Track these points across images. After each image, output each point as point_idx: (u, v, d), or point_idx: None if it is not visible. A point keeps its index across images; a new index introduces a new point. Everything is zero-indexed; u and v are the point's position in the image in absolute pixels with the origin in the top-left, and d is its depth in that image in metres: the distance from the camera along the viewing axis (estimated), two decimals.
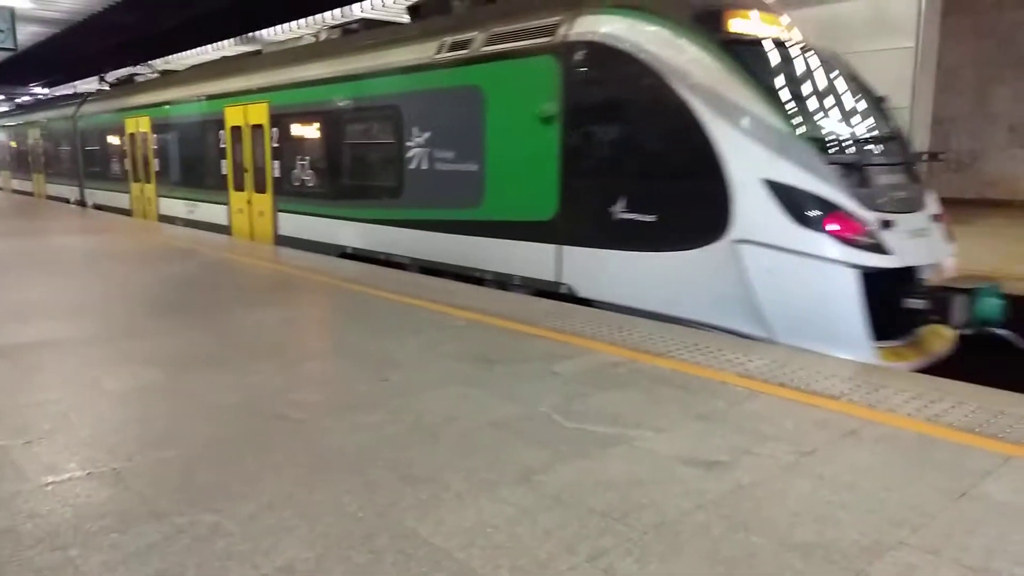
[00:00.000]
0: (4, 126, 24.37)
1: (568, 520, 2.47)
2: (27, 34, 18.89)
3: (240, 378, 4.03)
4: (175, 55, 22.38)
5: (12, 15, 14.62)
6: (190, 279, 7.27)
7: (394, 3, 14.34)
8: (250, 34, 18.78)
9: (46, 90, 29.52)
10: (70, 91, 25.49)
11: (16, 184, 23.65)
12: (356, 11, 15.15)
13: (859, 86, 6.15)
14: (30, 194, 22.42)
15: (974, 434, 3.19)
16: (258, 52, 13.17)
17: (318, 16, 16.41)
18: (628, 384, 3.90)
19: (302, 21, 17.00)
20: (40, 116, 20.59)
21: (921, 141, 12.33)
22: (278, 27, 17.84)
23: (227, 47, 19.93)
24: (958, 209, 14.26)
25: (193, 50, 21.53)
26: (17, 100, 31.80)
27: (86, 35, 21.23)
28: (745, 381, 3.93)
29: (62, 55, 23.67)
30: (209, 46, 20.71)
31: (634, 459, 2.95)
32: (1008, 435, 3.17)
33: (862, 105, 5.98)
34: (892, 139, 5.89)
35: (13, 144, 23.75)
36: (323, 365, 4.28)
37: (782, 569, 2.17)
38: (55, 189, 19.96)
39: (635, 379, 3.99)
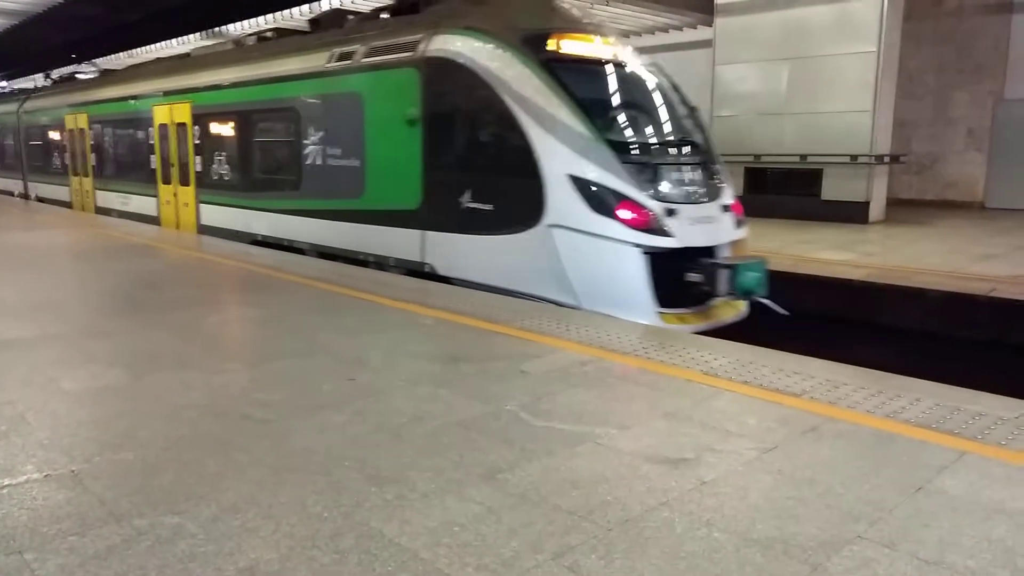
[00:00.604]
0: None
1: (534, 518, 2.48)
2: None
3: (204, 378, 3.98)
4: (139, 48, 21.95)
5: None
6: (152, 277, 7.14)
7: (351, 3, 14.59)
8: (214, 29, 18.48)
9: (4, 83, 28.77)
10: (30, 84, 24.85)
11: None
12: (324, 5, 15.00)
13: (671, 98, 7.20)
14: None
15: (931, 430, 3.27)
16: (187, 55, 13.89)
17: (283, 12, 16.18)
18: (595, 382, 3.93)
19: (267, 16, 16.75)
20: None
21: (884, 144, 12.64)
22: (240, 23, 17.58)
23: (192, 41, 19.58)
24: (919, 209, 14.64)
25: (157, 44, 21.13)
26: None
27: (48, 27, 20.75)
28: (710, 379, 3.99)
29: (23, 47, 23.09)
30: (174, 40, 20.34)
31: (600, 457, 2.98)
32: (964, 431, 3.26)
33: (669, 114, 7.05)
34: (691, 143, 6.96)
35: None
36: (289, 364, 4.24)
37: (743, 564, 2.21)
38: (1, 183, 20.08)
39: (602, 377, 4.02)
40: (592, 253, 6.08)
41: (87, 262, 8.02)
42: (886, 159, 12.76)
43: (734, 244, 6.69)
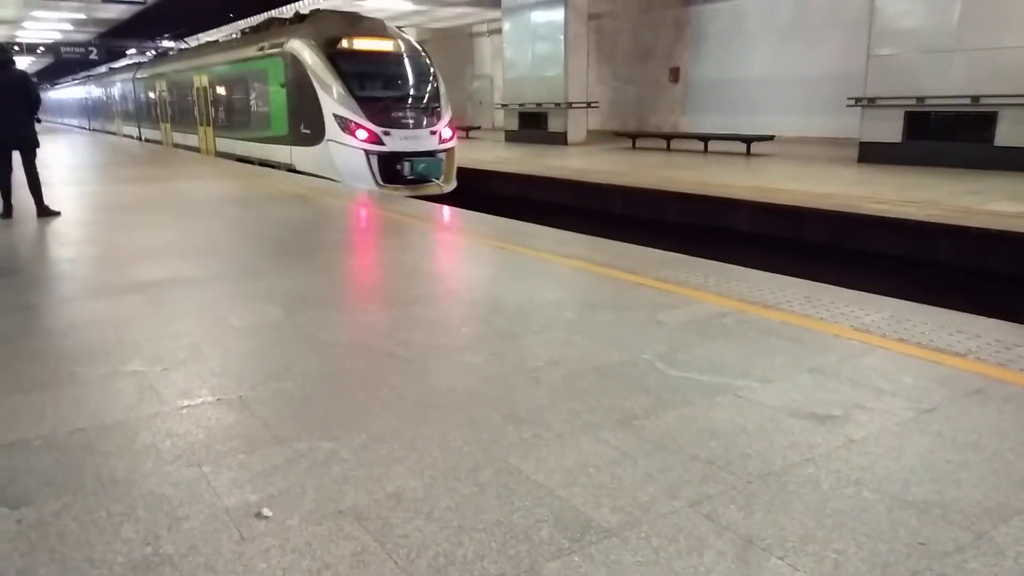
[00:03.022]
0: (120, 80, 28.93)
1: (670, 465, 2.46)
2: None
3: (351, 317, 4.21)
4: (288, 6, 23.06)
5: None
6: (304, 223, 7.59)
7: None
8: None
9: (172, 43, 31.10)
10: (195, 43, 26.98)
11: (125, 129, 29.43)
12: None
13: (414, 68, 12.77)
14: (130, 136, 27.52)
15: None
16: (194, 47, 22.55)
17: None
18: (735, 335, 3.81)
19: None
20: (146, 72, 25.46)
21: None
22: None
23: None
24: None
25: (304, 1, 22.07)
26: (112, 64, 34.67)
27: None
28: (861, 335, 3.76)
29: (187, 7, 24.82)
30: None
31: (740, 409, 2.90)
32: None
33: (405, 78, 12.69)
34: (412, 95, 12.49)
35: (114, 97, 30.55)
36: (429, 308, 4.40)
37: (896, 526, 2.10)
38: (150, 133, 25.15)
39: (742, 330, 3.89)
40: (346, 154, 11.73)
41: (243, 208, 8.64)
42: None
43: (445, 152, 12.30)
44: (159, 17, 26.60)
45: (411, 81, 12.67)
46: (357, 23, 12.99)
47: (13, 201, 8.13)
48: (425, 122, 12.11)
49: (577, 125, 19.91)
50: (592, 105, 20.43)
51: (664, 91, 22.15)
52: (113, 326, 4.09)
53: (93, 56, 26.32)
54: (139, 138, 25.61)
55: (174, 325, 4.09)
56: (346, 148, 11.61)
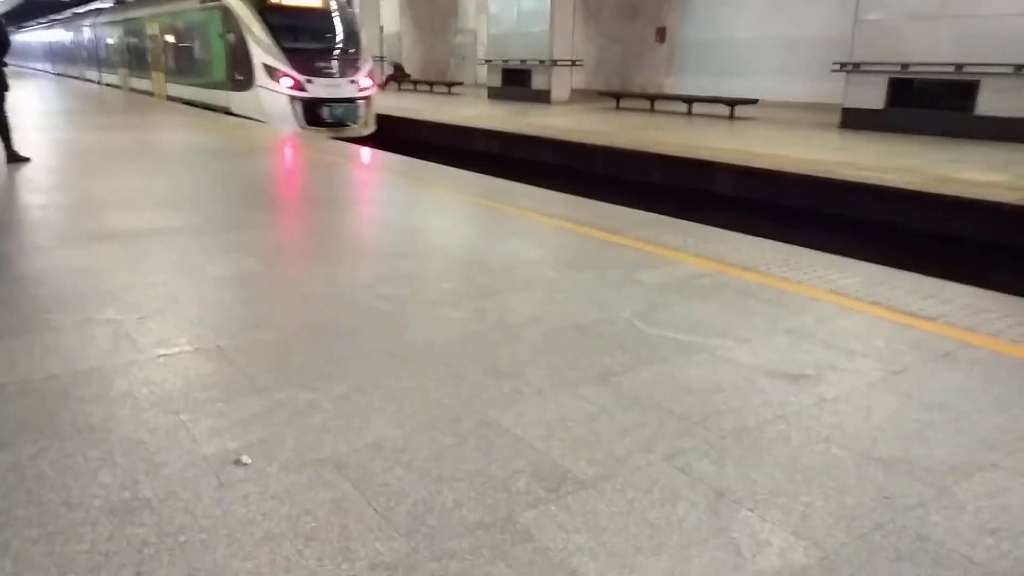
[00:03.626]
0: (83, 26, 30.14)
1: (646, 420, 2.50)
2: None
3: (332, 270, 4.19)
4: None
5: None
6: (282, 176, 7.48)
7: None
8: None
9: None
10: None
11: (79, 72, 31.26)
12: None
13: (339, 23, 14.32)
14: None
15: None
16: None
17: None
18: (713, 296, 3.85)
19: None
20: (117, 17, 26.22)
21: None
22: None
23: None
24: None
25: None
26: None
27: None
28: (837, 298, 3.82)
29: None
30: None
31: (715, 367, 2.95)
32: None
33: (331, 31, 14.19)
34: (335, 47, 14.03)
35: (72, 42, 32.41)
36: (411, 263, 4.38)
37: (863, 480, 2.16)
38: (109, 78, 26.32)
39: (720, 291, 3.93)
40: (273, 99, 13.19)
41: (219, 159, 8.49)
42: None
43: (364, 100, 13.75)
44: None
45: (334, 35, 14.28)
46: None
47: None
48: (345, 72, 13.67)
49: (561, 83, 19.72)
50: (577, 63, 20.21)
51: (650, 51, 21.95)
52: (88, 274, 4.03)
53: None
54: (99, 82, 26.60)
55: (151, 274, 4.04)
56: (273, 94, 13.17)
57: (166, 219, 5.38)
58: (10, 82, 7.93)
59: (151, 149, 9.34)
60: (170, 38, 18.17)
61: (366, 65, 14.05)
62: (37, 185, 6.77)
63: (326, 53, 13.79)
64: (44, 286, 3.83)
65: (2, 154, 7.91)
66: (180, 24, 17.34)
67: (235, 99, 14.46)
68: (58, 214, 5.60)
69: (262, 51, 13.28)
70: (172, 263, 4.30)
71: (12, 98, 8.08)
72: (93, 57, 27.36)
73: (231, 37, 14.13)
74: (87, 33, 28.10)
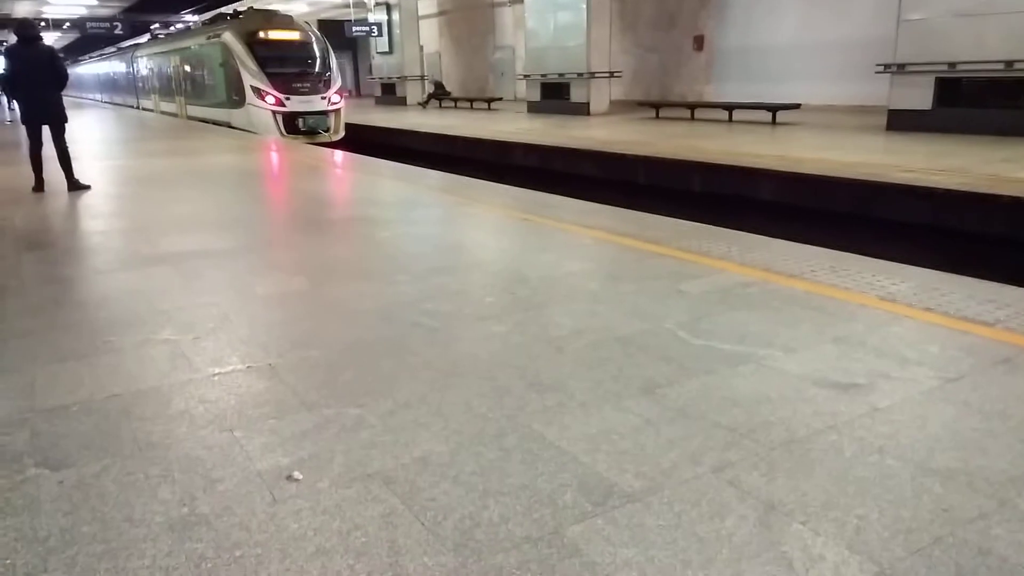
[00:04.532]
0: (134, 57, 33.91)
1: (692, 432, 2.48)
2: None
3: (377, 287, 4.26)
4: None
5: None
6: (327, 196, 7.64)
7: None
8: None
9: (196, 17, 31.16)
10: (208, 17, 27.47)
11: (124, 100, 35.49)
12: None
13: (314, 50, 17.65)
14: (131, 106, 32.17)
15: None
16: (167, 34, 29.45)
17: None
18: (759, 304, 3.80)
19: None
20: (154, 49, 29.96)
21: None
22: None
23: None
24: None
25: None
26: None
27: None
28: (887, 304, 3.73)
29: None
30: None
31: (763, 378, 2.91)
32: None
33: (305, 58, 17.45)
34: (309, 72, 17.25)
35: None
36: (454, 279, 4.43)
37: (919, 493, 2.11)
38: (145, 103, 29.91)
39: (766, 300, 3.87)
40: (260, 114, 16.52)
41: (266, 181, 8.71)
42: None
43: (333, 112, 17.10)
44: None
45: (308, 61, 17.56)
46: (271, 19, 18.27)
47: (44, 175, 8.26)
48: (317, 90, 17.06)
49: (600, 95, 19.71)
50: (615, 75, 20.20)
51: (688, 59, 21.82)
52: (144, 296, 4.18)
53: (118, 31, 26.50)
54: (137, 107, 30.58)
55: (203, 295, 4.17)
56: (260, 109, 16.72)
57: (216, 241, 5.54)
58: (67, 112, 8.29)
59: (199, 173, 9.64)
60: (187, 68, 21.70)
61: (335, 84, 17.47)
62: (96, 211, 7.05)
63: (301, 76, 17.08)
64: (104, 309, 3.98)
65: (64, 183, 8.24)
66: (192, 57, 20.89)
67: (234, 115, 17.86)
68: (116, 239, 5.81)
69: (251, 76, 16.74)
70: (223, 283, 4.42)
71: (69, 128, 8.43)
72: (131, 86, 31.49)
73: (228, 66, 17.57)
74: (125, 67, 32.34)
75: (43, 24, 28.16)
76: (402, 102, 28.14)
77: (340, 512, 2.06)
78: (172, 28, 32.27)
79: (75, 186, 8.24)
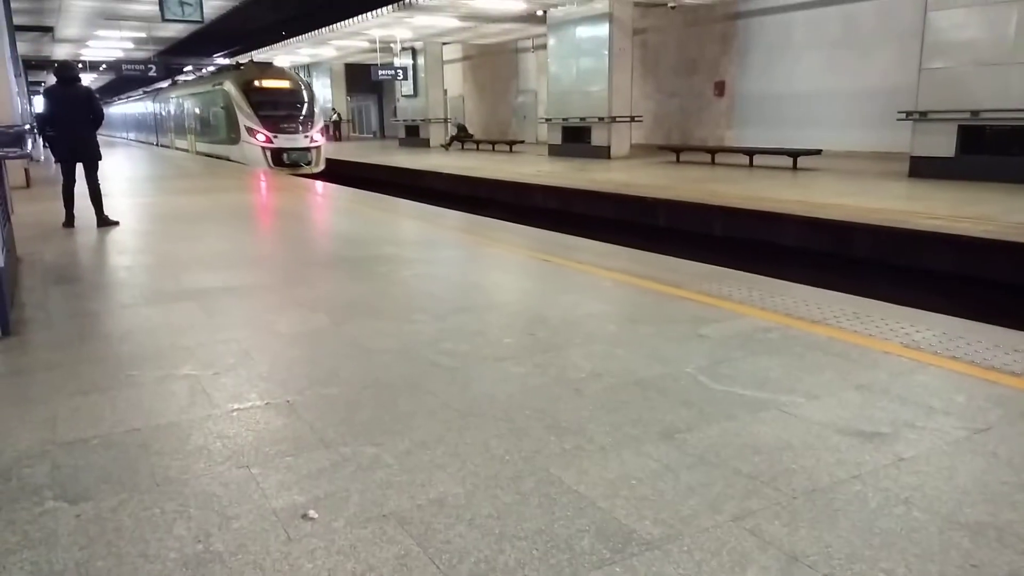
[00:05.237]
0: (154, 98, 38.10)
1: (713, 479, 2.44)
2: (211, 7, 20.77)
3: (396, 326, 4.27)
4: (340, 23, 23.61)
5: None
6: (347, 234, 7.73)
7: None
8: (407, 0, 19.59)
9: (228, 59, 32.05)
10: (240, 60, 28.33)
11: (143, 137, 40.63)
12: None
13: (301, 93, 21.79)
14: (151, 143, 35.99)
15: None
16: (176, 81, 34.44)
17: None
18: (780, 350, 3.76)
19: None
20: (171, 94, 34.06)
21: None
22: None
23: (383, 13, 20.92)
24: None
25: (356, 18, 22.56)
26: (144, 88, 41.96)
27: (264, 7, 23.02)
28: (912, 352, 3.68)
29: (242, 26, 25.63)
30: (369, 14, 21.65)
31: (785, 425, 2.86)
32: None
33: (291, 100, 21.34)
34: (295, 114, 20.99)
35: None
36: (472, 320, 4.44)
37: (947, 547, 2.05)
38: (163, 140, 33.88)
39: (788, 345, 3.83)
40: (252, 150, 20.08)
41: (288, 219, 8.84)
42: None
43: (315, 149, 20.53)
44: (214, 35, 27.46)
45: (294, 105, 21.08)
46: (266, 70, 21.97)
47: (75, 211, 8.45)
48: (301, 129, 20.50)
49: (620, 139, 19.93)
50: (636, 119, 20.42)
51: (709, 105, 22.00)
52: (167, 331, 4.22)
53: (152, 73, 27.39)
54: (157, 144, 34.38)
55: (224, 331, 4.21)
56: (252, 146, 20.04)
57: (238, 277, 5.61)
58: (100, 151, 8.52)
59: (222, 211, 9.81)
60: (196, 111, 25.73)
61: (317, 125, 21.10)
62: (124, 247, 7.18)
63: (288, 118, 20.52)
64: (128, 343, 4.03)
65: (94, 218, 8.43)
66: (200, 101, 24.91)
67: (232, 150, 21.19)
68: (141, 274, 5.91)
69: (245, 117, 20.22)
70: (244, 320, 4.47)
71: (101, 165, 8.64)
72: (152, 126, 35.95)
73: (227, 109, 21.20)
74: (146, 108, 37.17)
75: (80, 66, 29.13)
76: (425, 144, 28.58)
77: (355, 553, 2.04)
78: (192, 74, 35.60)
79: (104, 222, 8.42)
